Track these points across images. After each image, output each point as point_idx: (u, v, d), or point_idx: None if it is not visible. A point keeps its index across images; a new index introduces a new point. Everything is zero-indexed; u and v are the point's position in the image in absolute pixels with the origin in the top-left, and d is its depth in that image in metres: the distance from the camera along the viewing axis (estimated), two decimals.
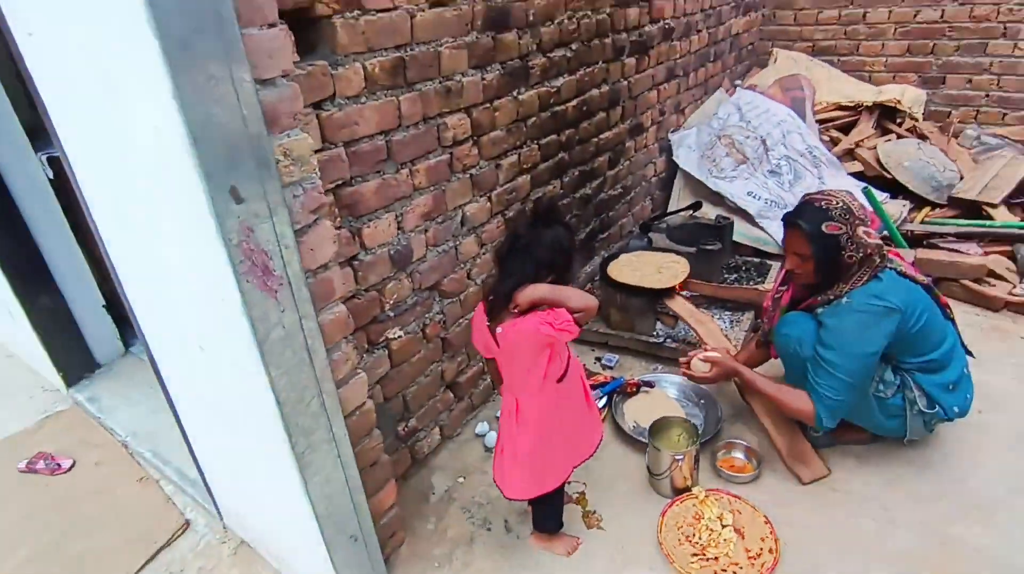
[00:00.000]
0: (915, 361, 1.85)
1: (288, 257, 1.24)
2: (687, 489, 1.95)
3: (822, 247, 1.78)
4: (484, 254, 2.21)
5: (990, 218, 3.18)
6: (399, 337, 1.91)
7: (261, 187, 1.15)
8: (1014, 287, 2.85)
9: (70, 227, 2.57)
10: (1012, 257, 3.02)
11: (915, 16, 4.12)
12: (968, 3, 3.95)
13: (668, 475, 1.94)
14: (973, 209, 3.28)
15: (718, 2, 3.68)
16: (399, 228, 1.81)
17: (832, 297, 1.82)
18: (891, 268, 1.82)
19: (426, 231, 1.91)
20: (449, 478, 2.15)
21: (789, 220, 1.85)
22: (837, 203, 1.79)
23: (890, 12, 4.18)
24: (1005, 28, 3.90)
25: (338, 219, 1.60)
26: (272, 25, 1.15)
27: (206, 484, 1.98)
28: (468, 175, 2.04)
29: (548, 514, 1.81)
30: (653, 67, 3.12)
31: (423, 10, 1.69)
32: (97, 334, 2.80)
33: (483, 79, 1.99)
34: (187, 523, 2.05)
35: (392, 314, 1.86)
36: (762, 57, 4.62)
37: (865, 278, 1.78)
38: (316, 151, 1.47)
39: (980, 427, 2.14)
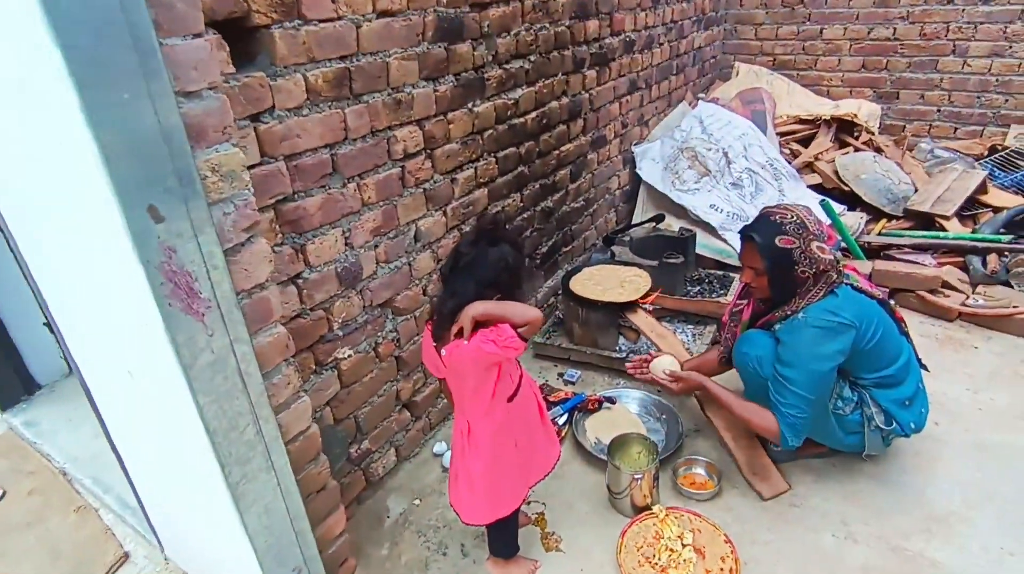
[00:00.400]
0: (871, 377, 1.85)
1: (216, 278, 1.17)
2: (647, 507, 1.91)
3: (775, 261, 1.77)
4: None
5: (943, 230, 3.24)
6: (349, 357, 1.84)
7: (184, 205, 1.09)
8: (967, 298, 2.90)
9: (5, 240, 2.44)
10: (964, 268, 3.08)
11: (868, 33, 4.22)
12: (918, 22, 4.06)
13: (628, 494, 1.90)
14: (927, 221, 3.34)
15: (679, 16, 3.71)
16: (347, 244, 1.74)
17: (789, 313, 1.81)
18: (847, 283, 1.82)
19: (376, 247, 1.85)
20: (405, 500, 2.08)
21: (744, 233, 1.85)
22: (792, 217, 1.78)
23: (845, 29, 4.27)
24: (954, 46, 4.01)
25: (279, 235, 1.54)
26: (198, 35, 1.09)
27: (145, 513, 1.88)
28: (421, 189, 1.99)
29: (504, 538, 1.75)
30: (615, 79, 3.12)
31: (369, 20, 1.64)
32: (37, 353, 2.66)
33: (436, 91, 1.95)
34: (126, 555, 1.94)
35: (341, 333, 1.80)
36: (724, 70, 4.69)
37: (821, 294, 1.78)
38: (253, 166, 1.42)
39: (936, 439, 2.16)
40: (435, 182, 2.05)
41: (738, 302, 2.10)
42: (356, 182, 1.74)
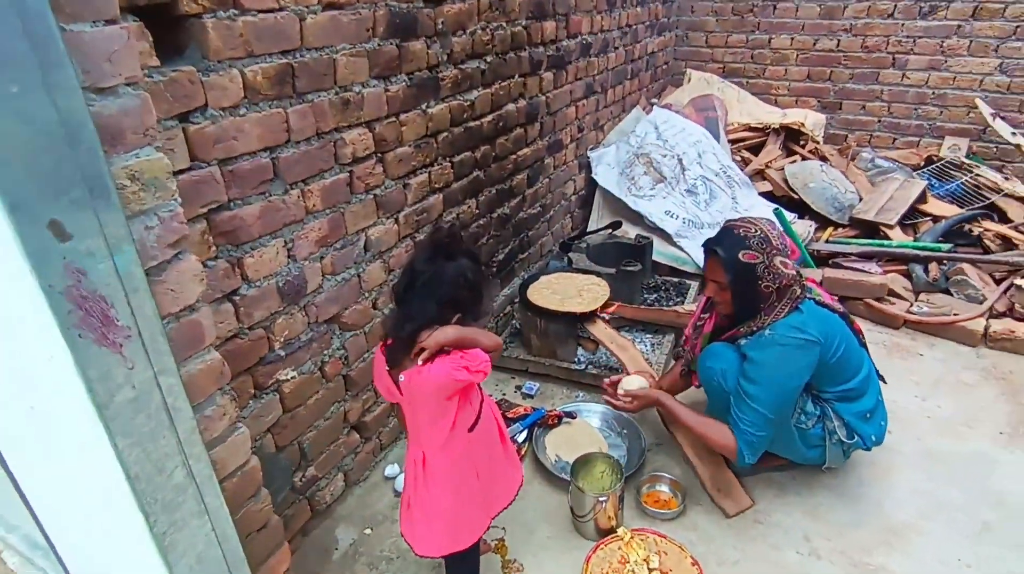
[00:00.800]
0: (834, 390, 1.84)
1: (137, 302, 1.02)
2: (612, 530, 1.84)
3: (738, 276, 1.73)
4: (392, 281, 2.03)
5: (887, 238, 3.33)
6: (292, 378, 1.69)
7: (96, 220, 0.93)
8: (911, 305, 2.98)
9: None
10: (908, 276, 3.17)
11: (814, 44, 4.31)
12: (860, 34, 4.17)
13: (592, 517, 1.82)
14: (871, 229, 3.42)
15: (634, 20, 3.68)
16: (289, 256, 1.60)
17: (755, 328, 1.77)
18: (810, 298, 1.80)
19: (322, 258, 1.71)
20: (355, 529, 1.94)
21: (708, 247, 1.80)
22: (756, 232, 1.75)
23: (792, 39, 4.36)
24: (894, 59, 4.15)
25: (213, 249, 1.38)
26: (111, 21, 0.94)
27: (58, 555, 1.67)
28: (371, 195, 1.85)
29: (464, 571, 1.64)
30: (571, 82, 3.05)
31: (314, 12, 1.50)
32: None
33: (387, 90, 1.82)
34: None
35: (283, 353, 1.65)
36: (676, 76, 4.71)
37: (787, 310, 1.75)
38: (181, 171, 1.26)
39: (890, 448, 2.17)
40: (386, 188, 1.92)
41: (701, 316, 2.06)
42: (300, 188, 1.59)
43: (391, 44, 1.79)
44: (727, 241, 1.76)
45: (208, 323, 1.21)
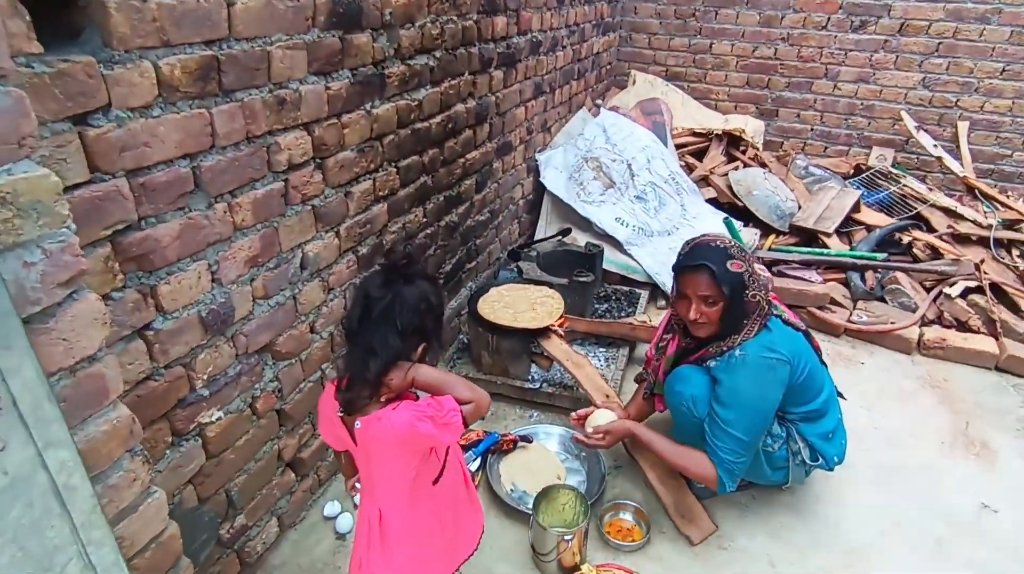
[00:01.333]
0: (798, 411, 1.80)
1: (10, 363, 0.79)
2: (576, 567, 1.72)
3: (731, 287, 1.64)
4: (332, 300, 1.82)
5: (826, 246, 3.39)
6: (217, 420, 1.46)
7: None
8: (851, 314, 3.04)
9: None
10: (845, 284, 3.23)
11: (753, 52, 4.37)
12: (796, 44, 4.26)
13: (555, 556, 1.70)
14: (810, 237, 3.48)
15: (582, 19, 3.57)
16: (214, 280, 1.37)
17: (724, 349, 1.70)
18: (776, 315, 1.74)
19: (252, 281, 1.49)
20: None
21: (690, 264, 1.68)
22: (730, 242, 1.70)
23: (732, 46, 4.39)
24: (827, 69, 4.25)
25: (119, 277, 1.14)
26: None
27: None
28: (309, 207, 1.64)
29: None
30: (521, 81, 2.91)
31: None
32: None
33: (328, 88, 1.60)
34: None
35: (207, 392, 1.42)
36: (620, 77, 4.66)
37: (756, 328, 1.68)
38: (76, 186, 1.02)
39: (843, 462, 2.17)
40: (326, 197, 1.71)
41: (664, 335, 1.97)
42: (226, 202, 1.36)
43: (333, 36, 1.58)
44: (711, 254, 1.66)
45: (113, 373, 0.99)
